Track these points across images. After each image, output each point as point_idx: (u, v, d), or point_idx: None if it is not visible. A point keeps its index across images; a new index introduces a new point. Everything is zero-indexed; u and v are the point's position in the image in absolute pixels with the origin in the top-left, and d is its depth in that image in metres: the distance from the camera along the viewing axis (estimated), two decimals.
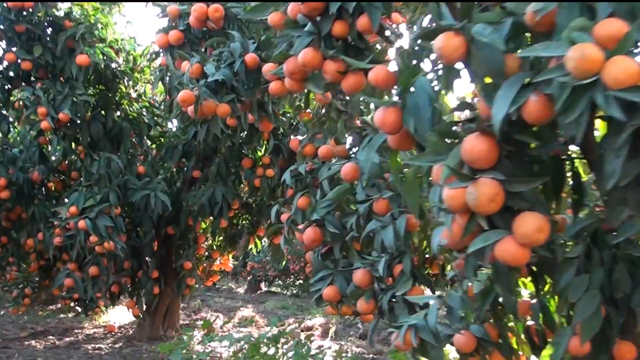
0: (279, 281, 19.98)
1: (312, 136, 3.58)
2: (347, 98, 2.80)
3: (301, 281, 19.04)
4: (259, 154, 5.99)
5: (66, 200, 5.59)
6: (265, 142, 5.61)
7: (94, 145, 5.50)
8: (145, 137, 6.21)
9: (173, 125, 6.56)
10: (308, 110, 3.68)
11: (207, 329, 7.35)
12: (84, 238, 5.09)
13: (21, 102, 5.02)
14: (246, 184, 5.96)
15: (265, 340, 4.43)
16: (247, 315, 8.29)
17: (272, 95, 2.64)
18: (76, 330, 7.45)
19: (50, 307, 10.59)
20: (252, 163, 5.87)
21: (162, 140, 6.42)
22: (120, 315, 9.65)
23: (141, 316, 6.53)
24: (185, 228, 6.33)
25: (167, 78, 4.09)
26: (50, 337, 6.69)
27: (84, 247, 5.21)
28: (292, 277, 19.22)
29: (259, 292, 16.24)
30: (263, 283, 17.74)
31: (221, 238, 6.93)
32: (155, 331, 6.77)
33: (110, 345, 6.24)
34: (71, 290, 6.09)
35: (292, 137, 5.25)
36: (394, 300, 2.51)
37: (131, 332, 7.28)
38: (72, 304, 9.98)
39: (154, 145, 6.57)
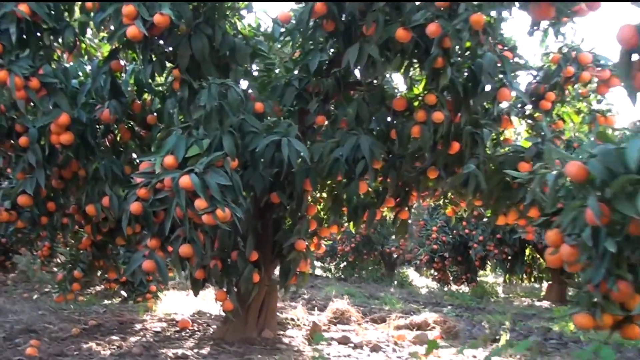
0: (319, 262, 18.52)
1: None
2: None
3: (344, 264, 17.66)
4: (416, 90, 4.27)
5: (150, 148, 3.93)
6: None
7: (194, 70, 3.80)
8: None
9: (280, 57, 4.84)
10: None
11: (312, 330, 5.72)
12: (185, 203, 3.42)
13: None
14: (393, 134, 4.26)
15: None
16: (342, 309, 6.62)
17: None
18: (137, 326, 5.82)
19: (88, 290, 9.00)
20: (405, 104, 4.17)
21: (268, 74, 4.71)
22: (174, 302, 8.04)
23: (233, 311, 4.86)
24: (296, 194, 4.68)
25: None
26: (111, 336, 5.06)
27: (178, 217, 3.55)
28: (337, 258, 17.79)
29: None
30: None
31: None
32: (249, 331, 5.13)
33: (195, 351, 4.60)
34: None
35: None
36: None
37: (211, 330, 5.63)
38: (116, 288, 8.44)
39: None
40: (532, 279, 13.68)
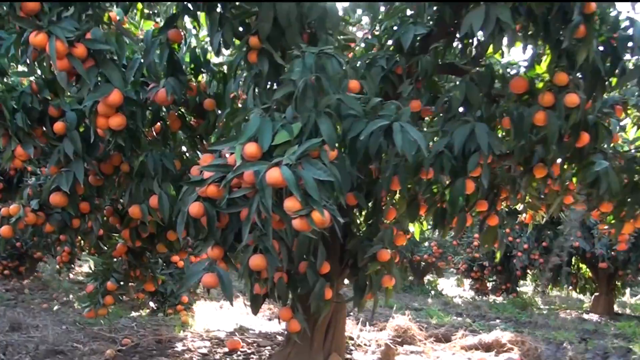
0: None
1: None
2: None
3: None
4: (539, 69, 3.49)
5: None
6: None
7: (276, 38, 3.05)
8: None
9: None
10: None
11: (385, 354, 4.94)
12: (267, 204, 2.65)
13: None
14: (506, 122, 3.49)
15: None
16: (403, 326, 5.84)
17: None
18: (178, 345, 5.07)
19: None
20: (526, 85, 3.40)
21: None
22: (208, 314, 7.29)
23: (299, 333, 4.09)
24: (376, 195, 3.96)
25: None
26: (151, 359, 4.30)
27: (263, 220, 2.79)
28: None
29: None
30: None
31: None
32: (314, 355, 4.37)
33: None
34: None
35: None
36: None
37: (266, 352, 4.87)
38: (144, 298, 7.68)
39: None
40: (577, 290, 12.83)
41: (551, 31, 3.15)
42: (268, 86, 3.23)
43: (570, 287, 12.40)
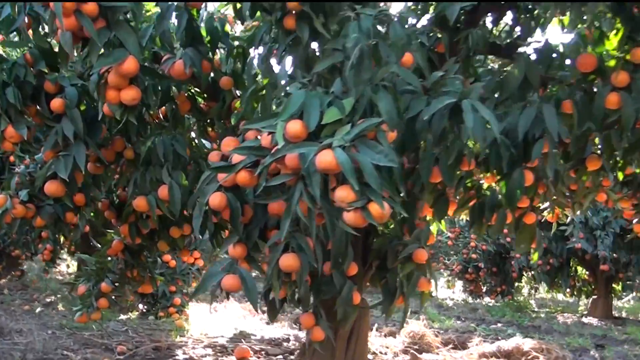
0: None
1: None
2: None
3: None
4: (609, 44, 3.11)
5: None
6: None
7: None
8: None
9: None
10: None
11: None
12: (316, 193, 2.21)
13: None
14: (567, 106, 3.10)
15: None
16: (418, 332, 5.44)
17: None
18: (178, 353, 4.61)
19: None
20: (595, 63, 3.01)
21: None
22: (202, 317, 6.82)
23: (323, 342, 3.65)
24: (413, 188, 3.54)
25: None
26: None
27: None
28: None
29: None
30: None
31: None
32: None
33: None
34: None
35: None
36: None
37: None
38: (133, 300, 7.16)
39: None
40: (574, 293, 12.59)
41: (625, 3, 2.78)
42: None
43: (568, 290, 12.14)
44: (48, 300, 7.77)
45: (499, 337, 6.28)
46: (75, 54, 3.11)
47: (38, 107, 3.14)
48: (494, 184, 4.14)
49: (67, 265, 14.99)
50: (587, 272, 12.09)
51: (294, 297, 3.51)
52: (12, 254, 10.66)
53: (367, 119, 2.24)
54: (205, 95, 3.65)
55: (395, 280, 3.76)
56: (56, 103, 2.97)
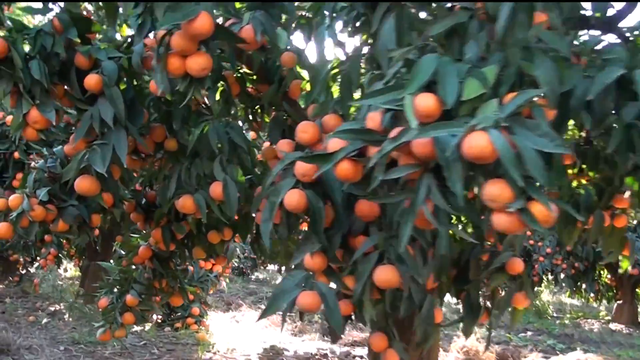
0: None
1: None
2: None
3: None
4: None
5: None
6: None
7: None
8: None
9: None
10: None
11: None
12: (457, 189, 1.66)
13: None
14: None
15: None
16: (472, 347, 4.90)
17: None
18: None
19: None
20: None
21: None
22: (223, 328, 6.25)
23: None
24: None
25: None
26: None
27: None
28: None
29: None
30: None
31: None
32: None
33: None
34: None
35: None
36: None
37: None
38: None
39: None
40: (598, 298, 12.11)
41: None
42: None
43: (592, 295, 11.65)
44: (52, 308, 7.17)
45: (555, 351, 5.76)
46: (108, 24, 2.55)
47: (66, 86, 2.57)
48: (584, 181, 3.64)
49: (65, 269, 14.33)
50: (610, 277, 11.62)
51: (362, 313, 2.95)
52: (9, 258, 10.04)
53: (521, 92, 1.69)
54: (258, 76, 3.09)
55: (478, 294, 3.22)
56: (92, 80, 2.41)
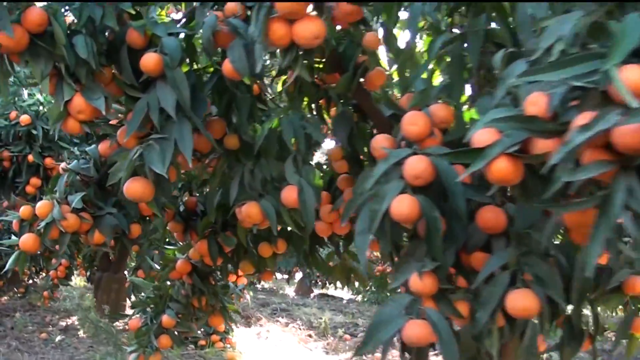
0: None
1: None
2: None
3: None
4: None
5: None
6: None
7: None
8: None
9: None
10: None
11: None
12: None
13: None
14: None
15: None
16: None
17: None
18: None
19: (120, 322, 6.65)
20: None
21: None
22: (250, 344, 5.77)
23: None
24: None
25: None
26: None
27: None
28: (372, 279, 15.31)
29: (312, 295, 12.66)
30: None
31: None
32: None
33: None
34: None
35: None
36: None
37: None
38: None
39: None
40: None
41: None
42: None
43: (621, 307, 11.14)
44: (63, 323, 6.68)
45: None
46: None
47: (114, 70, 2.12)
48: None
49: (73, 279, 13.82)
50: None
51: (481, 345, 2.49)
52: (15, 269, 9.56)
53: None
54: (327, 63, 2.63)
55: (580, 317, 2.76)
56: (150, 60, 1.96)
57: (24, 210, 2.69)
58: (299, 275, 14.19)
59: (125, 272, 7.73)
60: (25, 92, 5.30)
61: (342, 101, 2.75)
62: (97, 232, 2.65)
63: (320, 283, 14.36)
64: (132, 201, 2.21)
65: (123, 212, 2.75)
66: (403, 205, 1.80)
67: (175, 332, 3.48)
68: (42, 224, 2.57)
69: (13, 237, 2.87)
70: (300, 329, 7.42)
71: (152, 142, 2.00)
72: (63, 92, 1.96)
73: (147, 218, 2.92)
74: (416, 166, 1.82)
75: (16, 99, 5.20)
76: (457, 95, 2.08)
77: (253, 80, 2.17)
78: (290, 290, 14.42)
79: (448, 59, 2.11)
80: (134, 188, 2.06)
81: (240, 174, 2.44)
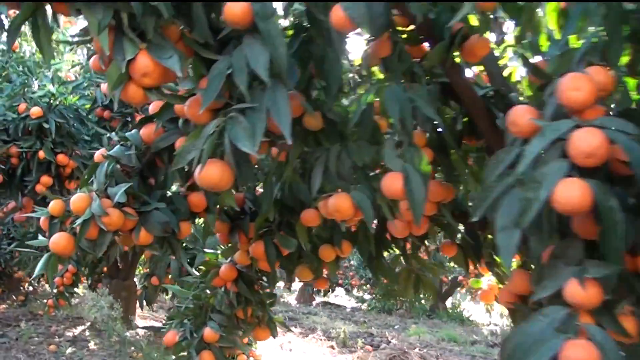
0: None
1: None
2: None
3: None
4: None
5: None
6: None
7: None
8: None
9: None
10: None
11: None
12: None
13: None
14: None
15: None
16: None
17: None
18: None
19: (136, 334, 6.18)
20: None
21: None
22: (275, 355, 5.33)
23: None
24: None
25: None
26: None
27: None
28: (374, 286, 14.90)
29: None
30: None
31: None
32: None
33: None
34: None
35: None
36: None
37: None
38: None
39: None
40: None
41: None
42: None
43: None
44: (69, 334, 6.20)
45: None
46: None
47: (184, 25, 1.69)
48: None
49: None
50: None
51: None
52: (14, 275, 9.08)
53: None
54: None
55: None
56: (236, 10, 1.53)
57: (54, 205, 2.25)
58: (296, 284, 13.76)
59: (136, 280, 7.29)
60: (35, 83, 4.85)
61: (427, 77, 2.33)
62: (143, 231, 2.21)
63: (322, 291, 13.99)
64: (206, 189, 1.77)
65: (171, 208, 2.31)
66: (572, 192, 1.39)
67: (218, 347, 3.03)
68: (79, 221, 2.13)
69: (40, 237, 2.42)
70: (320, 339, 6.99)
71: (235, 114, 1.57)
72: (124, 49, 1.53)
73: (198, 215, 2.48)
74: (590, 141, 1.40)
75: (25, 89, 4.74)
76: (616, 57, 1.67)
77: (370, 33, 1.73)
78: (291, 299, 13.99)
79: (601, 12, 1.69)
80: (211, 172, 1.63)
81: (324, 161, 2.01)
